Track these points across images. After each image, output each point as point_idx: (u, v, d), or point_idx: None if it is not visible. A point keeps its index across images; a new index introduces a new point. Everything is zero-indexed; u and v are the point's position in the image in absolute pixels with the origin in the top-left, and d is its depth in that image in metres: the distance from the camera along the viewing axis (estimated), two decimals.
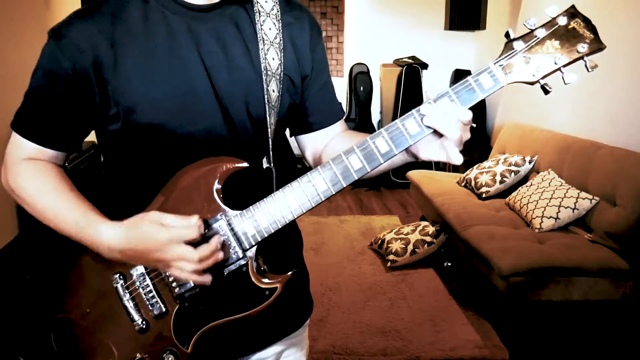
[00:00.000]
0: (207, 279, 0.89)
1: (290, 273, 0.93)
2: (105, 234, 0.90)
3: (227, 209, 0.91)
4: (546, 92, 0.85)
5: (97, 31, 0.92)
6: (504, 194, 3.60)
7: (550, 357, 2.60)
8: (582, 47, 0.83)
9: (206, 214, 0.91)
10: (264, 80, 0.97)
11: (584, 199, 2.94)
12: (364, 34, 5.87)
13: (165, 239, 0.86)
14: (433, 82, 5.55)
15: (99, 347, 0.98)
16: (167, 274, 0.93)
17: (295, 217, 0.90)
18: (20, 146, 0.99)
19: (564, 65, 0.84)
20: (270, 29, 1.00)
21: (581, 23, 0.83)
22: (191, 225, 0.86)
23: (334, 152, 1.04)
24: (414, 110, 0.86)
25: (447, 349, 2.58)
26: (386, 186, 5.47)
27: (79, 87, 0.93)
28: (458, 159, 0.86)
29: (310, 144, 1.12)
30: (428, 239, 3.47)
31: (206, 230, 0.89)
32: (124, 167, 1.00)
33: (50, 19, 4.20)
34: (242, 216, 0.91)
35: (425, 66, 5.44)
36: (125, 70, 0.92)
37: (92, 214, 0.93)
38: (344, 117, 1.14)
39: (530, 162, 3.63)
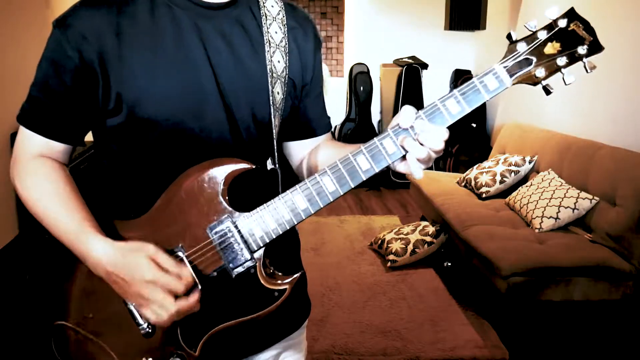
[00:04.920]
0: (168, 324, 0.89)
1: (297, 275, 0.93)
2: (96, 250, 0.88)
3: (233, 210, 0.90)
4: (548, 92, 0.87)
5: (103, 21, 0.90)
6: (504, 194, 3.60)
7: (550, 357, 2.60)
8: (582, 49, 0.84)
9: (212, 216, 0.90)
10: (269, 82, 0.96)
11: (584, 199, 2.94)
12: (364, 34, 5.87)
13: (150, 277, 0.85)
14: (433, 82, 5.54)
15: (102, 353, 0.96)
16: (135, 310, 0.92)
17: (304, 218, 0.89)
18: (28, 140, 0.96)
19: (565, 67, 0.85)
20: (276, 32, 1.00)
21: (580, 25, 0.85)
22: (181, 277, 0.86)
23: (318, 160, 1.07)
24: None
25: (447, 349, 2.58)
26: (386, 186, 5.47)
27: (85, 77, 0.91)
28: (419, 174, 0.86)
29: (296, 151, 1.13)
30: (428, 239, 3.47)
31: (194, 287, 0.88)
32: (120, 163, 0.98)
33: (51, 18, 4.17)
34: (249, 217, 0.90)
35: (425, 66, 5.43)
36: (129, 62, 0.90)
37: (86, 225, 0.91)
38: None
39: (530, 162, 3.63)
